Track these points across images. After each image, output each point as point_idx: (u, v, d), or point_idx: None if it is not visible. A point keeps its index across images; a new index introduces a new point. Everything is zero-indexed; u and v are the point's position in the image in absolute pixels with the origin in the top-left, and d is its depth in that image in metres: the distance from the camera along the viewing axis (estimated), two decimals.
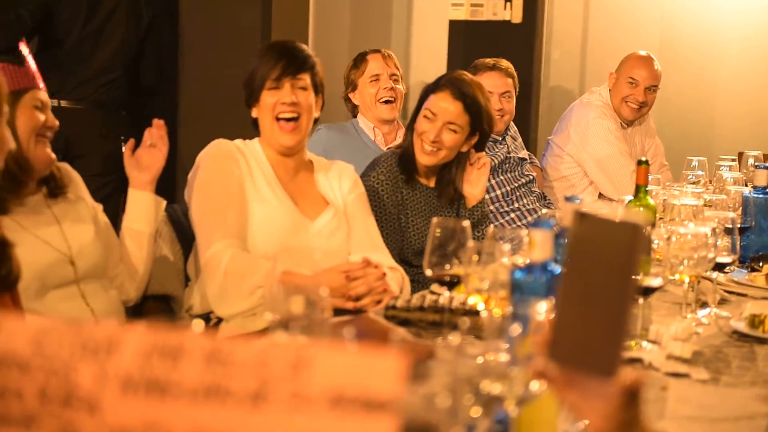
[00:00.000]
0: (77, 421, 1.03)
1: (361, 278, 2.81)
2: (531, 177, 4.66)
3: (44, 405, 1.04)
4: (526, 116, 5.66)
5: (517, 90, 4.76)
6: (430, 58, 6.43)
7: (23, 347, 1.06)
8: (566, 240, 1.36)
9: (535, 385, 1.64)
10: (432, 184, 3.48)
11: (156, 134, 3.01)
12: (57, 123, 2.63)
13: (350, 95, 4.58)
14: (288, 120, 2.99)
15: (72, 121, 4.28)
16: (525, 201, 4.55)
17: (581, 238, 1.34)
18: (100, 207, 2.90)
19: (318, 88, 3.06)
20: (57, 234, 2.64)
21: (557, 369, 1.36)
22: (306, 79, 3.01)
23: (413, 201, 3.42)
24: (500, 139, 4.61)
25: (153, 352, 1.02)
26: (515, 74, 4.75)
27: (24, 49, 2.62)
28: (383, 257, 3.06)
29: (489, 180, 4.49)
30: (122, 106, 4.78)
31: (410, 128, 3.45)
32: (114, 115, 4.73)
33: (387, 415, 0.93)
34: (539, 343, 1.37)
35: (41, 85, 2.64)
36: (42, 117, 2.59)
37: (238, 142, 3.09)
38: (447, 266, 2.37)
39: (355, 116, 4.60)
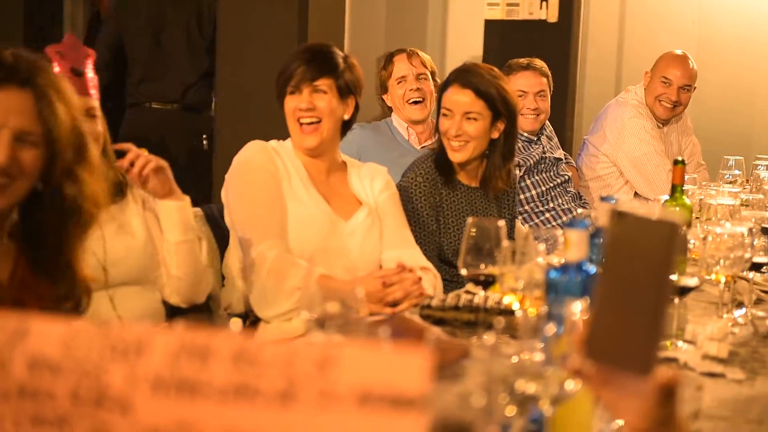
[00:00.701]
0: (110, 422, 1.04)
1: (397, 284, 2.81)
2: (566, 177, 4.65)
3: (76, 406, 1.05)
4: (562, 116, 5.64)
5: (552, 89, 4.76)
6: (466, 57, 6.42)
7: (54, 349, 1.07)
8: (603, 239, 1.37)
9: (570, 385, 1.64)
10: (475, 183, 3.45)
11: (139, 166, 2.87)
12: (100, 131, 2.64)
13: (383, 97, 4.60)
14: (309, 123, 3.02)
15: (161, 122, 5.36)
16: (560, 201, 4.54)
17: (618, 236, 1.34)
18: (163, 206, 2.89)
19: (343, 90, 3.06)
20: (98, 239, 2.64)
21: (593, 367, 1.36)
22: (325, 83, 3.02)
23: (453, 202, 3.40)
24: (535, 139, 4.60)
25: (182, 352, 1.03)
26: (549, 73, 4.75)
27: (55, 54, 2.62)
28: (415, 254, 3.08)
29: (524, 180, 4.50)
30: (204, 107, 5.60)
31: (439, 131, 3.44)
32: (196, 115, 5.55)
33: (415, 412, 0.93)
34: (576, 341, 1.37)
35: (93, 93, 2.66)
36: (88, 126, 2.61)
37: (273, 143, 3.12)
38: (482, 266, 2.37)
39: (389, 115, 4.61)
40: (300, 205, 3.01)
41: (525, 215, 4.47)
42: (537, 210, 4.50)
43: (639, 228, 1.32)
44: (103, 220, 2.67)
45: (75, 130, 1.99)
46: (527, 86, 4.59)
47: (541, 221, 4.48)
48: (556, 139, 4.82)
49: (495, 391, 1.55)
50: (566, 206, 4.54)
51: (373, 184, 3.17)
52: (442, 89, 3.43)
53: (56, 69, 2.58)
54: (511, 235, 3.42)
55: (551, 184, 4.57)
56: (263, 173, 3.02)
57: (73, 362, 1.06)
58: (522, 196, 4.47)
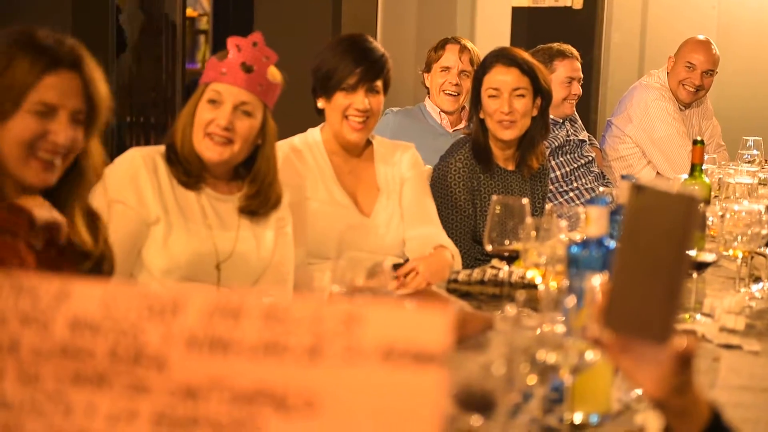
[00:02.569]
0: (146, 378, 1.09)
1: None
2: (590, 158, 4.71)
3: (114, 364, 1.10)
4: (587, 98, 5.68)
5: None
6: (494, 44, 6.43)
7: (94, 310, 1.13)
8: (624, 211, 1.40)
9: (590, 355, 1.68)
10: (511, 167, 3.50)
11: None
12: (225, 124, 2.61)
13: (425, 74, 4.64)
14: (360, 121, 3.05)
15: None
16: (584, 180, 4.61)
17: (638, 209, 1.37)
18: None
19: (387, 87, 3.12)
20: (228, 241, 2.68)
21: (612, 336, 1.40)
22: (379, 84, 3.07)
23: (490, 186, 3.44)
24: (560, 122, 4.66)
25: (215, 312, 1.08)
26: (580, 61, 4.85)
27: (236, 45, 2.64)
28: (434, 232, 3.11)
29: (549, 161, 4.55)
30: None
31: (475, 116, 3.49)
32: None
33: (436, 367, 0.98)
34: (594, 310, 1.41)
35: (234, 83, 2.63)
36: (211, 114, 2.62)
37: (296, 139, 3.15)
38: (506, 242, 2.42)
39: (423, 100, 4.66)
40: (323, 205, 3.06)
41: (550, 195, 4.53)
42: (561, 189, 4.57)
43: (658, 201, 1.35)
44: (242, 225, 2.71)
45: (109, 107, 2.08)
46: (573, 72, 4.69)
47: (565, 200, 4.54)
48: (580, 122, 4.89)
49: (516, 361, 1.59)
50: (589, 185, 4.60)
51: (402, 161, 3.20)
52: (481, 73, 3.47)
53: (228, 59, 2.61)
54: (542, 213, 3.47)
55: (575, 165, 4.63)
56: (283, 184, 3.04)
57: (112, 322, 1.12)
58: None
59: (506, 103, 3.37)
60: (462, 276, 2.68)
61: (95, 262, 2.16)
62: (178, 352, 1.08)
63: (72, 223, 2.12)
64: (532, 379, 1.67)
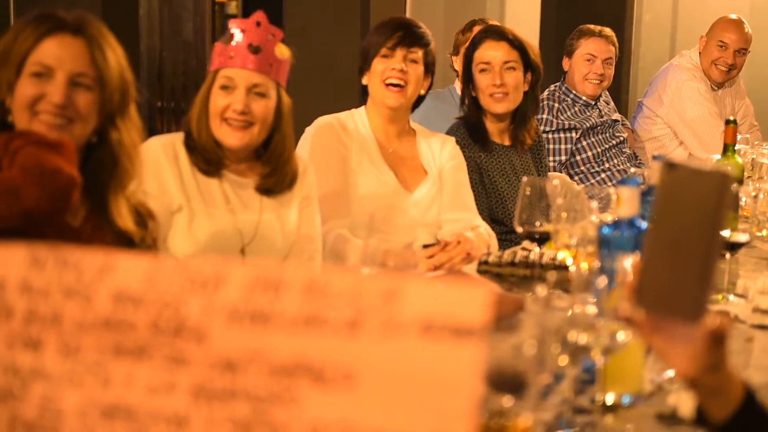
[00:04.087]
0: (186, 350, 1.10)
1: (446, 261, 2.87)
2: (622, 138, 4.73)
3: (156, 336, 1.12)
4: (618, 79, 5.68)
5: (617, 58, 4.84)
6: (524, 23, 6.45)
7: (137, 283, 1.14)
8: (655, 189, 1.40)
9: (621, 336, 1.69)
10: (507, 142, 3.56)
11: None
12: (242, 108, 2.62)
13: (453, 58, 4.65)
14: (396, 85, 3.10)
15: None
16: (615, 161, 4.62)
17: (670, 187, 1.37)
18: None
19: (429, 66, 3.17)
20: (250, 224, 2.71)
21: (644, 315, 1.40)
22: (418, 53, 3.13)
23: (492, 162, 3.50)
24: (593, 103, 4.68)
25: (256, 285, 1.09)
26: (617, 44, 4.86)
27: (240, 28, 2.65)
28: (470, 217, 3.16)
29: (580, 142, 4.57)
30: None
31: (467, 95, 3.55)
32: None
33: (474, 341, 0.99)
34: (626, 290, 1.41)
35: (245, 66, 2.64)
36: (226, 100, 2.64)
37: (342, 114, 3.20)
38: (537, 223, 2.43)
39: (453, 82, 4.66)
40: (366, 178, 3.11)
41: (581, 176, 4.56)
42: (593, 170, 4.58)
43: (690, 179, 1.35)
44: (264, 207, 2.73)
45: (122, 77, 2.08)
46: (597, 51, 4.71)
47: (597, 181, 4.56)
48: (612, 103, 4.91)
49: (547, 342, 1.60)
50: (621, 166, 4.62)
51: (442, 151, 3.26)
52: (471, 50, 3.54)
53: (234, 42, 2.62)
54: None
55: (607, 146, 4.65)
56: (325, 153, 3.11)
57: (155, 294, 1.13)
58: (578, 157, 4.57)
59: (498, 76, 3.45)
60: (493, 258, 2.70)
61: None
62: (219, 324, 1.10)
63: (110, 208, 2.14)
64: (563, 360, 1.68)
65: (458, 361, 0.99)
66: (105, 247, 2.14)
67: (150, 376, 1.11)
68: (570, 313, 1.70)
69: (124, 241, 2.16)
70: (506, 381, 1.49)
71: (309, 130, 3.16)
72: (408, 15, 6.42)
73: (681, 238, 1.35)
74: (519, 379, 1.54)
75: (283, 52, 2.69)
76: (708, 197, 1.34)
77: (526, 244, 2.73)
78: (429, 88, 3.25)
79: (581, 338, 1.68)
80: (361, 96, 3.24)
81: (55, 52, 2.02)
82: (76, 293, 1.16)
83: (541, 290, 1.61)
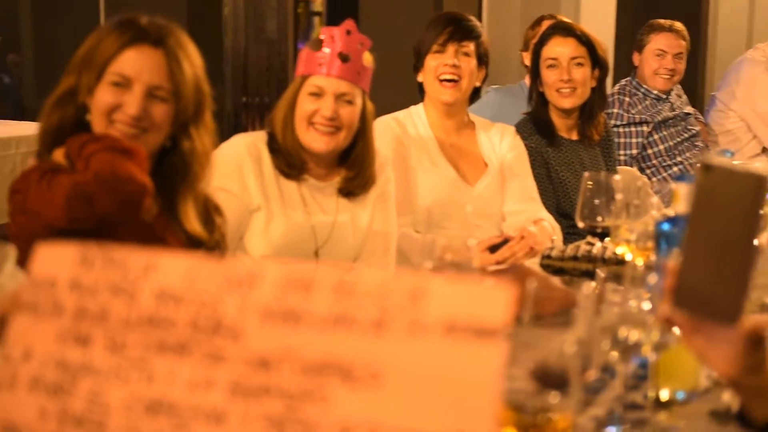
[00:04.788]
0: (223, 348, 1.14)
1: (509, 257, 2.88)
2: (694, 131, 4.68)
3: (195, 333, 1.16)
4: (693, 72, 5.62)
5: (688, 52, 4.79)
6: (600, 17, 6.40)
7: (178, 282, 1.18)
8: (692, 190, 1.40)
9: (675, 332, 1.68)
10: (575, 136, 3.55)
11: None
12: (331, 114, 2.66)
13: (523, 54, 4.65)
14: (449, 80, 3.11)
15: None
16: (688, 155, 4.58)
17: (706, 188, 1.37)
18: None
19: (482, 58, 3.18)
20: (325, 226, 2.75)
21: (683, 315, 1.40)
22: (470, 46, 3.15)
23: (560, 157, 3.50)
24: (664, 97, 4.64)
25: (288, 284, 1.12)
26: (688, 38, 4.80)
27: (331, 36, 2.68)
28: (534, 208, 3.16)
29: (652, 135, 4.54)
30: None
31: (534, 90, 3.55)
32: None
33: (496, 342, 1.01)
34: (665, 290, 1.41)
35: (334, 74, 2.66)
36: (313, 105, 2.67)
37: (400, 114, 3.24)
38: (599, 218, 2.43)
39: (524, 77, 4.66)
40: (426, 175, 3.13)
41: (653, 169, 4.53)
42: (665, 164, 4.55)
43: (727, 180, 1.35)
44: (340, 209, 2.78)
45: (197, 88, 2.13)
46: (667, 47, 4.67)
47: (669, 175, 4.53)
48: (685, 96, 4.86)
49: (596, 338, 1.61)
50: (694, 160, 4.57)
51: (502, 142, 3.27)
52: (539, 46, 3.54)
53: (326, 50, 2.66)
54: None
55: (679, 139, 4.61)
56: (390, 156, 3.10)
57: (194, 293, 1.17)
58: (650, 151, 4.54)
59: (565, 72, 3.45)
60: (555, 252, 2.70)
61: (206, 249, 2.23)
62: (253, 322, 1.13)
63: (179, 211, 2.20)
64: (613, 357, 1.69)
65: (480, 361, 1.01)
66: (176, 241, 2.20)
67: (190, 372, 1.15)
68: (621, 309, 1.70)
69: (192, 242, 2.21)
70: (552, 378, 1.49)
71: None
72: (484, 14, 6.43)
73: (718, 240, 1.35)
74: (565, 376, 1.55)
75: (369, 60, 2.73)
76: (744, 198, 1.33)
77: (590, 238, 2.73)
78: (484, 80, 3.25)
79: (632, 335, 1.68)
80: (419, 93, 3.26)
81: (135, 64, 2.07)
82: (122, 291, 1.21)
83: (588, 287, 1.61)
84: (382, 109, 3.29)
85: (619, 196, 2.34)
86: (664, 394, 1.84)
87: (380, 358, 1.06)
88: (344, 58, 2.64)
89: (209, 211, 2.26)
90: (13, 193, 2.07)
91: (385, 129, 3.15)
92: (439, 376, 1.02)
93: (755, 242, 1.35)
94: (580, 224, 2.46)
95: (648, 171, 4.54)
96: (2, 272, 1.76)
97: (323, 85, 2.67)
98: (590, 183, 2.45)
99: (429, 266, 2.01)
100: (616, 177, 2.43)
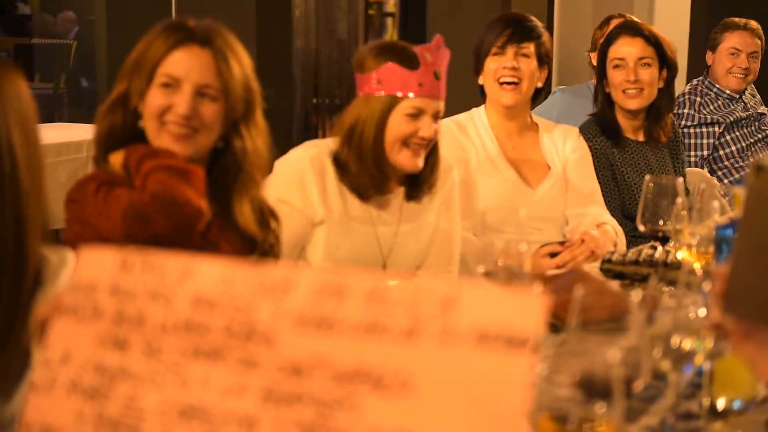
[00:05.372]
0: (257, 354, 1.13)
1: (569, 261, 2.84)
2: None
3: (229, 339, 1.15)
4: None
5: (763, 51, 4.70)
6: (674, 14, 6.32)
7: (213, 287, 1.18)
8: (744, 191, 1.35)
9: None
10: (642, 138, 3.50)
11: None
12: (429, 135, 2.60)
13: (591, 55, 4.59)
14: (509, 83, 3.08)
15: None
16: (761, 155, 4.48)
17: (758, 190, 1.32)
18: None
19: (542, 58, 3.14)
20: (389, 236, 2.72)
21: (734, 322, 1.36)
22: (530, 47, 3.10)
23: (625, 159, 3.45)
24: (737, 97, 4.55)
25: (322, 291, 1.11)
26: (763, 37, 4.70)
27: (426, 54, 2.61)
28: (597, 211, 3.11)
29: (724, 136, 4.46)
30: None
31: (600, 91, 3.50)
32: None
33: (527, 351, 0.98)
34: (715, 295, 1.37)
35: (435, 95, 2.62)
36: (412, 126, 2.60)
37: (461, 116, 3.21)
38: (660, 222, 2.38)
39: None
40: (487, 178, 3.10)
41: (725, 170, 4.44)
42: (737, 165, 4.46)
43: None
44: (402, 218, 2.77)
45: (247, 87, 2.13)
46: (742, 45, 4.58)
47: (742, 176, 4.43)
48: (758, 96, 4.75)
49: (647, 346, 1.57)
50: None
51: (565, 144, 3.23)
52: (606, 46, 3.49)
53: (421, 69, 2.58)
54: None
55: (752, 140, 4.52)
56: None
57: (229, 299, 1.17)
58: (722, 152, 4.46)
59: (632, 72, 3.39)
60: (616, 256, 2.66)
61: (261, 254, 2.23)
62: (287, 329, 1.12)
63: (234, 211, 2.20)
64: (666, 365, 1.64)
65: (511, 371, 0.99)
66: (229, 247, 2.21)
67: (224, 378, 1.15)
68: (675, 316, 1.66)
69: (248, 241, 2.21)
70: (598, 387, 1.46)
71: None
72: (555, 13, 6.37)
73: None
74: (611, 386, 1.52)
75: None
76: None
77: (654, 242, 2.67)
78: (546, 80, 3.20)
79: (685, 343, 1.63)
80: (480, 95, 3.23)
81: (183, 64, 2.09)
82: (159, 296, 1.21)
83: (637, 293, 1.57)
84: (452, 111, 3.29)
85: (679, 200, 2.28)
86: (721, 404, 1.79)
87: (411, 366, 1.04)
88: (437, 75, 2.59)
89: (264, 214, 2.26)
90: (70, 202, 2.10)
91: (445, 132, 3.12)
92: (470, 386, 1.00)
93: None
94: (642, 228, 2.41)
95: (720, 173, 4.45)
96: (60, 277, 1.78)
97: (422, 106, 2.59)
98: (652, 185, 2.40)
99: (482, 271, 1.98)
100: (680, 179, 2.37)
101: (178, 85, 2.08)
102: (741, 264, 1.33)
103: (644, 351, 1.54)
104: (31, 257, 1.72)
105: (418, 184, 2.70)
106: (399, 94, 2.57)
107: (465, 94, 3.35)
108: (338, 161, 2.64)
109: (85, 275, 1.26)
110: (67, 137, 4.98)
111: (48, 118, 9.67)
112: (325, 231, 2.62)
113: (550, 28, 6.23)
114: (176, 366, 1.17)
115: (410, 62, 2.57)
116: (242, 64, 2.13)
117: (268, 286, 1.15)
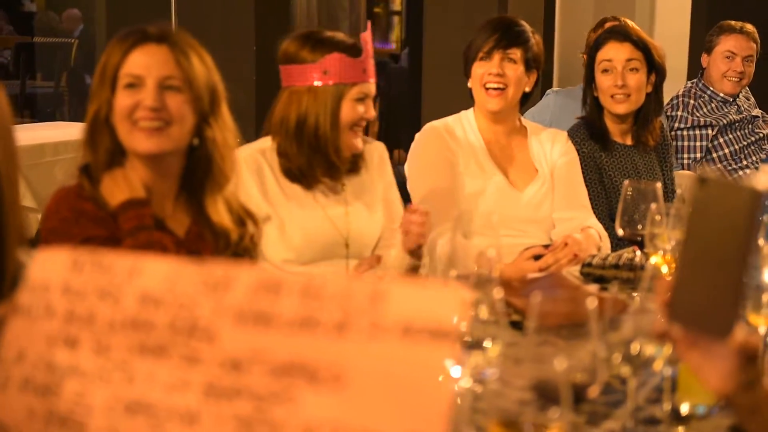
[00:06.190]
0: (199, 350, 1.15)
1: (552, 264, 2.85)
2: (761, 135, 4.59)
3: (173, 336, 1.17)
4: None
5: (758, 55, 4.71)
6: (674, 18, 6.34)
7: (159, 285, 1.20)
8: (688, 203, 1.37)
9: None
10: (630, 141, 3.51)
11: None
12: (373, 115, 2.77)
13: (585, 57, 4.61)
14: (495, 89, 3.10)
15: None
16: (754, 158, 4.51)
17: (702, 201, 1.34)
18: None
19: (530, 63, 3.15)
20: (342, 216, 2.81)
21: (680, 330, 1.37)
22: (516, 53, 3.12)
23: (613, 163, 3.46)
24: (731, 100, 4.56)
25: (259, 288, 1.13)
26: (759, 40, 4.71)
27: (367, 41, 2.74)
28: (583, 215, 3.12)
29: (717, 139, 4.47)
30: None
31: (589, 95, 3.51)
32: None
33: (449, 343, 1.00)
34: (660, 305, 1.38)
35: (371, 78, 2.77)
36: (361, 109, 2.74)
37: (450, 119, 3.24)
38: (639, 226, 2.39)
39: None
40: (474, 180, 3.12)
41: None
42: (730, 168, 4.48)
43: (722, 193, 1.32)
44: (349, 197, 2.85)
45: (209, 80, 2.18)
46: (737, 48, 4.59)
47: (734, 178, 4.45)
48: (753, 99, 4.76)
49: (602, 353, 1.58)
50: (760, 163, 4.50)
51: (554, 148, 3.24)
52: (595, 50, 3.50)
53: (363, 56, 2.73)
54: (672, 187, 3.50)
55: (745, 142, 4.53)
56: (435, 160, 3.16)
57: (173, 296, 1.19)
58: (715, 155, 4.48)
59: (619, 77, 3.42)
60: (597, 260, 2.67)
61: (234, 252, 2.26)
62: (227, 325, 1.14)
63: (207, 206, 2.24)
64: (626, 371, 1.66)
65: (435, 362, 1.01)
66: (208, 251, 2.24)
67: (168, 374, 1.17)
68: (636, 321, 1.66)
69: (222, 237, 2.25)
70: (552, 392, 1.46)
71: (418, 136, 3.20)
72: (557, 16, 6.38)
73: (712, 254, 1.32)
74: (573, 391, 1.53)
75: None
76: (739, 213, 1.30)
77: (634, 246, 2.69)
78: (536, 83, 3.22)
79: (645, 349, 1.64)
80: (470, 98, 3.25)
81: (143, 62, 2.14)
82: (108, 294, 1.23)
83: (593, 301, 1.58)
84: (449, 112, 3.32)
85: (654, 205, 2.30)
86: (685, 409, 1.80)
87: (343, 359, 1.06)
88: (371, 62, 2.76)
89: (240, 214, 2.29)
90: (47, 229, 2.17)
91: (433, 133, 3.16)
92: (397, 377, 1.02)
93: (749, 257, 1.31)
94: (620, 232, 2.43)
95: None
96: None
97: (367, 90, 2.75)
98: (630, 190, 2.41)
99: (454, 275, 2.00)
100: (658, 184, 2.38)
101: (142, 83, 2.13)
102: (685, 274, 1.35)
103: (599, 357, 1.55)
104: (10, 263, 1.75)
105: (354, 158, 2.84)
106: (348, 81, 2.70)
107: (460, 95, 3.37)
108: (286, 156, 2.74)
109: (38, 276, 1.28)
110: (66, 136, 5.01)
111: (49, 116, 9.76)
112: (274, 225, 2.68)
113: (550, 29, 6.24)
114: (123, 363, 1.19)
115: (353, 51, 2.71)
116: (201, 56, 2.19)
117: (210, 283, 1.17)
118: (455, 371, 0.96)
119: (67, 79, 10.90)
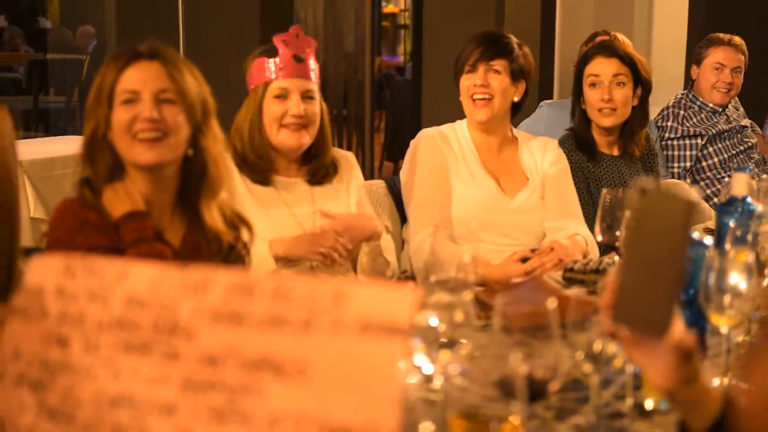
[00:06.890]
0: (178, 347, 1.25)
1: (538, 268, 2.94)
2: (750, 144, 4.68)
3: (156, 334, 1.27)
4: (765, 86, 5.57)
5: (746, 66, 4.80)
6: (671, 30, 6.41)
7: (144, 288, 1.30)
8: (630, 212, 1.47)
9: None
10: (617, 152, 3.60)
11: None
12: (302, 110, 2.89)
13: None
14: (481, 99, 3.20)
15: None
16: (743, 167, 4.58)
17: (643, 210, 1.44)
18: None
19: (516, 73, 3.23)
20: (308, 215, 2.93)
21: (624, 330, 1.47)
22: (501, 64, 3.20)
23: (600, 173, 3.55)
24: (720, 110, 4.64)
25: (235, 289, 1.23)
26: (747, 52, 4.80)
27: (281, 42, 2.90)
28: (574, 224, 3.20)
29: (707, 147, 4.56)
30: None
31: (577, 107, 3.60)
32: None
33: (402, 338, 1.10)
34: (604, 306, 1.48)
35: (312, 78, 2.92)
36: (283, 106, 2.88)
37: (445, 127, 3.33)
38: (617, 233, 2.48)
39: None
40: (465, 185, 3.21)
41: (707, 181, 4.54)
42: (719, 176, 4.56)
43: (659, 203, 1.42)
44: (316, 201, 2.95)
45: (201, 93, 2.29)
46: (726, 60, 4.68)
47: (723, 187, 4.53)
48: (742, 109, 4.86)
49: (561, 350, 1.67)
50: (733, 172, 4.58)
51: (544, 156, 3.31)
52: (582, 64, 3.58)
53: (280, 55, 2.88)
54: None
55: (734, 152, 4.62)
56: (428, 165, 3.25)
57: (156, 298, 1.29)
58: (704, 163, 4.56)
59: (606, 91, 3.50)
60: (578, 265, 2.76)
61: (226, 256, 2.36)
62: (204, 324, 1.24)
63: (202, 212, 2.34)
64: (587, 368, 1.74)
65: (388, 356, 1.10)
66: (203, 260, 2.33)
67: (150, 369, 1.26)
68: (597, 321, 1.75)
69: (214, 241, 2.35)
70: (512, 388, 1.54)
71: (413, 143, 3.29)
72: (557, 26, 6.47)
73: (651, 259, 1.42)
74: (535, 386, 1.62)
75: (316, 60, 2.97)
76: (674, 221, 1.40)
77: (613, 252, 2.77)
78: (525, 93, 3.30)
79: (606, 347, 1.73)
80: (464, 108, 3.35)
81: (138, 77, 2.25)
82: (98, 297, 1.33)
83: (552, 301, 1.66)
84: (447, 120, 3.42)
85: (626, 213, 2.38)
86: (649, 404, 1.89)
87: (307, 354, 1.16)
88: (299, 59, 2.90)
89: (234, 221, 2.39)
90: (52, 231, 2.26)
91: (427, 140, 3.26)
92: (355, 370, 1.12)
93: (683, 261, 1.41)
94: (599, 238, 2.52)
95: (702, 183, 4.57)
96: None
97: (287, 86, 2.89)
98: (608, 198, 2.50)
99: (433, 279, 2.09)
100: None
101: (138, 97, 2.23)
102: (628, 278, 1.44)
103: (559, 354, 1.64)
104: (17, 273, 1.85)
105: (316, 168, 2.96)
106: (266, 80, 2.87)
107: (459, 107, 3.46)
108: (237, 156, 2.89)
109: (33, 280, 1.38)
110: (77, 150, 5.10)
111: (61, 130, 9.91)
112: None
113: (550, 40, 6.32)
114: (110, 360, 1.29)
115: (270, 52, 2.89)
116: (193, 72, 2.30)
117: (190, 285, 1.27)
118: (406, 364, 1.06)
119: (79, 94, 11.06)
